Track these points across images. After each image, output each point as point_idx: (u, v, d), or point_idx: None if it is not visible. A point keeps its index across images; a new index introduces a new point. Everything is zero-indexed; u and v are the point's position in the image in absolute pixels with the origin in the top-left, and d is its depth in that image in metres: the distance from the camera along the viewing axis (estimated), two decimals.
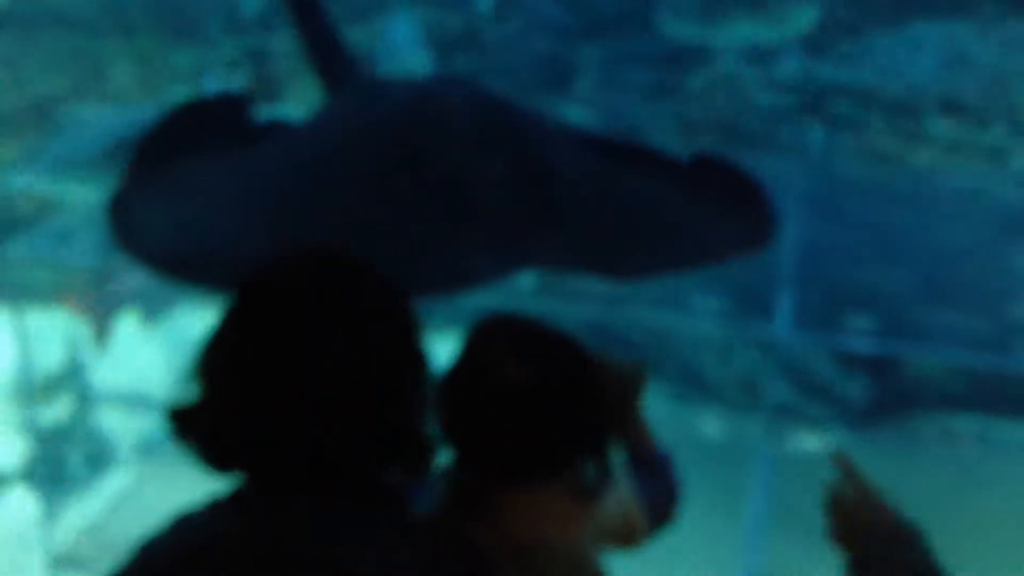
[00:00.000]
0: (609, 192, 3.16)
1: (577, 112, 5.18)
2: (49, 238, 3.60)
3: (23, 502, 4.40)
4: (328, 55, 3.74)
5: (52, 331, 5.74)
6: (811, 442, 4.35)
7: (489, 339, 1.79)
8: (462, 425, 1.75)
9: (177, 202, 3.10)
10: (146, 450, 4.88)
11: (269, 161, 3.24)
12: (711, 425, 4.72)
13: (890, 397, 4.47)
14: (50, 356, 5.37)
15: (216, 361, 1.58)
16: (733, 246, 3.05)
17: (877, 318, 3.46)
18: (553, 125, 3.38)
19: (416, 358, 1.65)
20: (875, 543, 1.69)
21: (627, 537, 1.97)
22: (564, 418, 1.73)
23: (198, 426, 1.59)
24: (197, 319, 5.26)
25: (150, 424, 5.09)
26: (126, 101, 5.46)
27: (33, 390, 3.60)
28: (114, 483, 4.59)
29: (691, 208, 3.19)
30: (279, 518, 1.52)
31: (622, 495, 1.94)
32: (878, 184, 4.65)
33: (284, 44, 5.28)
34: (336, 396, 1.54)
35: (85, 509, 4.40)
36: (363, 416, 1.56)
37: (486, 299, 2.82)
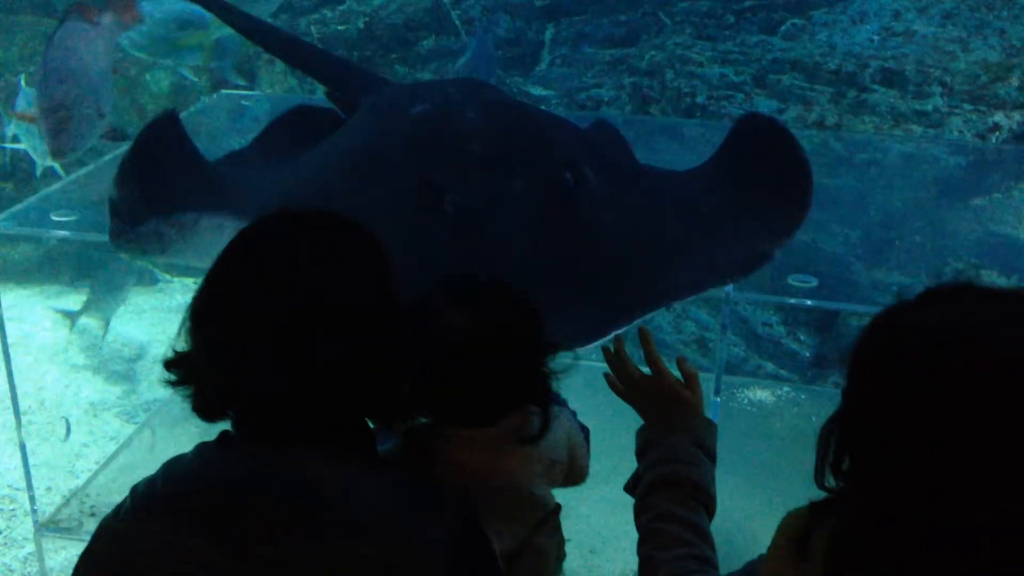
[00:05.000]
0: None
1: (539, 91, 5.37)
2: (29, 214, 3.70)
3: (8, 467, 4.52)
4: (337, 77, 3.66)
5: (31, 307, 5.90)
6: (760, 394, 4.57)
7: (437, 291, 1.84)
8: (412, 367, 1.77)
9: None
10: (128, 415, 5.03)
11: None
12: None
13: (833, 351, 4.71)
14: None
15: (200, 311, 1.63)
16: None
17: (820, 277, 3.60)
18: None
19: (392, 308, 1.67)
20: (658, 405, 1.94)
21: (573, 476, 2.05)
22: (499, 367, 1.79)
23: (189, 375, 1.64)
24: None
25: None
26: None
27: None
28: (100, 449, 4.72)
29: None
30: (263, 459, 1.58)
31: (572, 438, 2.03)
32: (821, 151, 4.86)
33: None
34: (311, 341, 1.56)
35: (70, 474, 4.53)
36: (338, 362, 1.58)
37: None
